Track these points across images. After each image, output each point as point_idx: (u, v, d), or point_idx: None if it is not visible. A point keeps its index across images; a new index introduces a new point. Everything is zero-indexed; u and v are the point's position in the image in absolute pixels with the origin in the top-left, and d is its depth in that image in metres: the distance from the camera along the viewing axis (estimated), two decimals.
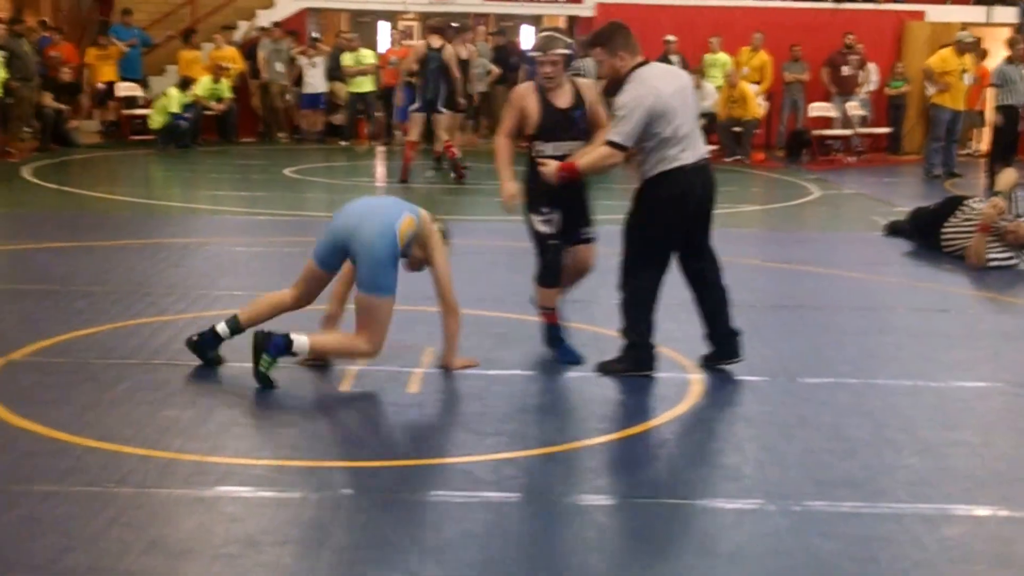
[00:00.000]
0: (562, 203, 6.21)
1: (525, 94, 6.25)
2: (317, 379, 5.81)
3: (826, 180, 16.18)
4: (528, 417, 5.37)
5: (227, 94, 19.10)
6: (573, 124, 6.17)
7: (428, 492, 4.42)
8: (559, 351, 6.35)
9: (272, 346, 5.64)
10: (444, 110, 14.47)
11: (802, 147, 19.14)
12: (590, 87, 6.31)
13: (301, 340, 5.70)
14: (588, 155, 5.98)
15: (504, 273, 8.86)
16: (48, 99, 17.30)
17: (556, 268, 6.32)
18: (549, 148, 6.19)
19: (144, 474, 4.49)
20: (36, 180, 13.92)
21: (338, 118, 20.58)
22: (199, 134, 18.67)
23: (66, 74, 17.74)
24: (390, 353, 6.18)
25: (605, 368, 6.06)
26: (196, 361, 6.03)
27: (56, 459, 4.61)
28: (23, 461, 4.60)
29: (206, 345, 5.98)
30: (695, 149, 5.93)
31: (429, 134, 15.43)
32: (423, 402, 5.55)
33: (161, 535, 3.96)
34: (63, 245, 9.39)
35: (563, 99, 6.18)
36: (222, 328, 5.99)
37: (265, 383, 5.65)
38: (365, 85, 19.61)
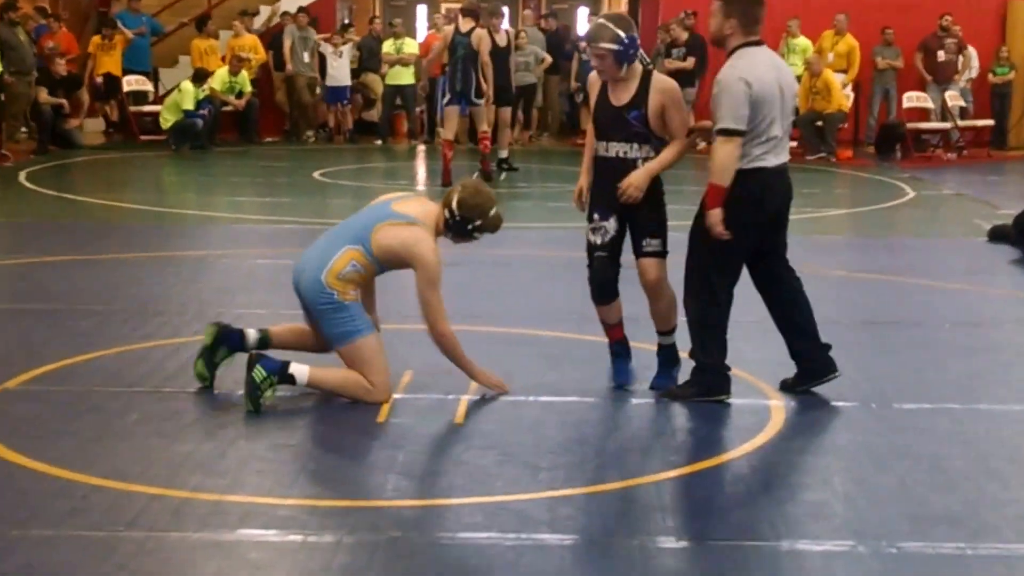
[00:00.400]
0: (622, 209, 6.14)
1: (593, 83, 6.23)
2: (350, 408, 5.82)
3: (922, 179, 16.07)
4: (587, 449, 5.36)
5: (247, 88, 19.22)
6: (625, 125, 6.04)
7: (476, 534, 4.40)
8: (614, 370, 6.31)
9: (266, 362, 5.78)
10: (478, 101, 14.50)
11: (895, 142, 19.01)
12: (665, 88, 6.05)
13: (300, 368, 5.84)
14: (711, 167, 5.79)
15: (557, 287, 8.84)
16: (43, 95, 17.44)
17: (599, 283, 6.25)
18: (601, 147, 6.15)
19: (156, 516, 4.50)
20: (33, 186, 14.08)
21: (372, 114, 20.68)
22: (216, 133, 18.81)
23: (61, 66, 17.88)
24: (431, 379, 6.18)
25: (673, 394, 6.03)
26: (212, 389, 6.07)
27: (57, 499, 4.64)
28: (20, 501, 4.62)
29: (227, 339, 6.09)
30: (780, 154, 5.88)
31: (472, 132, 15.50)
32: (469, 433, 5.56)
33: None
34: (64, 259, 9.48)
35: (622, 95, 6.07)
36: (252, 332, 6.16)
37: (254, 399, 5.73)
38: (404, 77, 19.62)
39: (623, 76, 6.02)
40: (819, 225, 11.96)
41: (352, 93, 20.31)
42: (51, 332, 7.16)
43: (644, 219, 6.12)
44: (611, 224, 6.14)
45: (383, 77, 19.95)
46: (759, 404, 6.01)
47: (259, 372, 5.77)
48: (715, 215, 5.82)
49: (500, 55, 15.14)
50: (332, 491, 4.87)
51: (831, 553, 4.29)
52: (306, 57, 19.76)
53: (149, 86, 19.84)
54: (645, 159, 6.05)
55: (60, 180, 14.99)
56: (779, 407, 5.95)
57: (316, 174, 15.73)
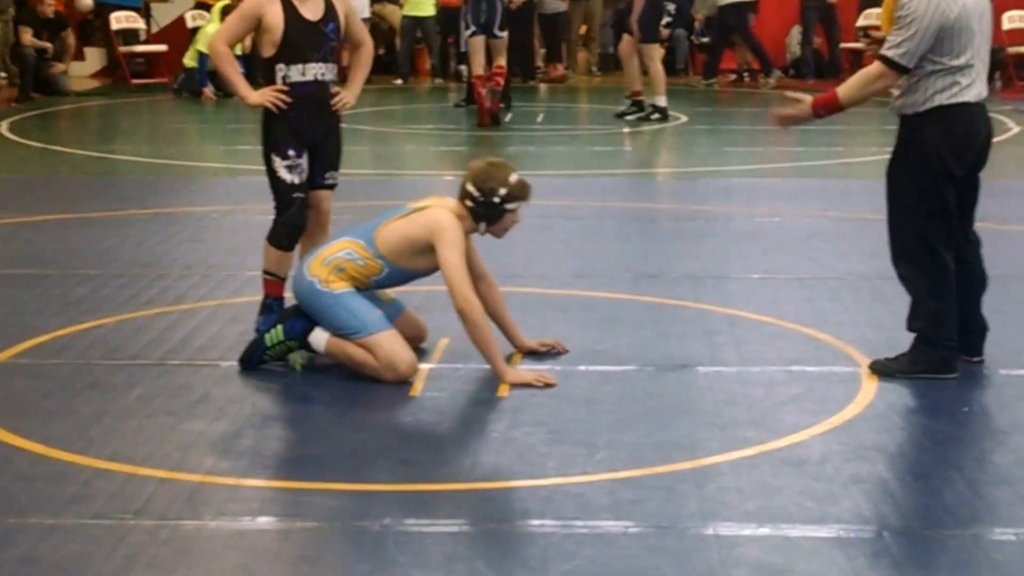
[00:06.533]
0: (310, 144, 6.46)
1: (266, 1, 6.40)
2: (379, 381, 5.82)
3: None
4: (650, 425, 5.35)
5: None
6: (323, 41, 6.39)
7: (527, 521, 4.42)
8: (265, 320, 6.33)
9: (290, 323, 5.95)
10: (501, 34, 14.45)
11: (994, 69, 18.84)
12: None
13: (319, 336, 5.92)
14: (849, 80, 5.79)
15: (606, 241, 8.85)
16: (27, 36, 17.50)
17: (298, 226, 6.41)
18: (295, 72, 6.37)
19: (167, 502, 4.53)
20: (16, 137, 14.15)
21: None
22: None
23: (48, 6, 17.90)
24: (470, 346, 6.18)
25: (891, 369, 5.91)
26: (224, 360, 6.11)
27: (58, 484, 4.67)
28: (17, 487, 4.66)
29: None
30: (982, 86, 5.82)
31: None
32: (516, 408, 5.55)
33: None
34: (53, 218, 9.53)
35: (315, 8, 6.35)
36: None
37: (251, 359, 5.97)
38: (425, 7, 19.61)
39: None
40: None
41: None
42: (42, 300, 7.21)
43: (331, 150, 6.56)
44: (305, 162, 6.42)
45: (400, 7, 19.93)
46: (847, 372, 5.98)
47: (275, 334, 5.93)
48: (803, 119, 5.93)
49: None
50: (363, 474, 4.88)
51: (939, 539, 4.28)
52: None
53: (141, 23, 19.82)
54: (332, 82, 6.49)
55: (46, 130, 15.07)
56: (870, 375, 5.92)
57: None
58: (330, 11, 6.37)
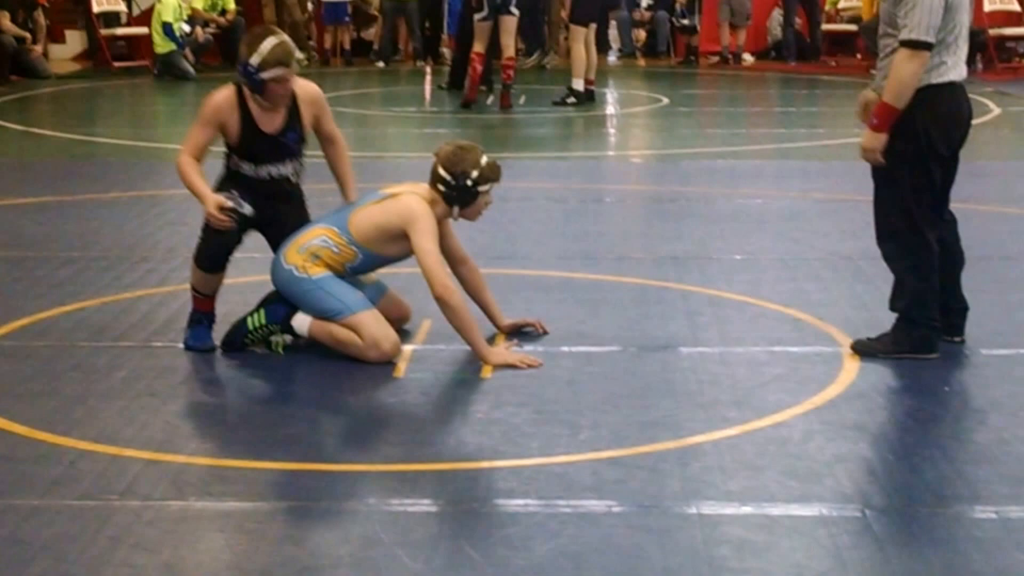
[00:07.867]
0: (261, 219, 6.17)
1: (226, 106, 6.13)
2: (361, 362, 5.84)
3: (1008, 93, 15.99)
4: (633, 405, 5.37)
5: (231, 6, 19.19)
6: (283, 149, 6.16)
7: (511, 501, 4.43)
8: (199, 334, 6.10)
9: (272, 308, 5.96)
10: (516, 11, 14.43)
11: (975, 51, 18.87)
12: (313, 99, 6.21)
13: (302, 320, 5.93)
14: (889, 83, 5.65)
15: (589, 223, 8.86)
16: (5, 21, 17.45)
17: (227, 245, 6.08)
18: (247, 167, 6.18)
19: (152, 483, 4.54)
20: None
21: (371, 33, 20.65)
22: (197, 57, 18.80)
23: None
24: (453, 329, 6.21)
25: (874, 349, 5.93)
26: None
27: (42, 466, 4.68)
28: (1, 469, 4.66)
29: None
30: (964, 66, 5.83)
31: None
32: (498, 388, 5.57)
33: (178, 558, 4.01)
34: (35, 200, 9.52)
35: (273, 121, 6.11)
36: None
37: (232, 343, 5.99)
38: None
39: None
40: None
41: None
42: (25, 282, 7.21)
43: (293, 225, 6.14)
44: (247, 210, 6.03)
45: None
46: (829, 351, 6.01)
47: (258, 318, 5.94)
48: (880, 140, 5.72)
49: None
50: (347, 455, 4.91)
51: (919, 516, 4.30)
52: None
53: (122, 6, 19.81)
54: (292, 175, 6.23)
55: (26, 113, 15.03)
56: (852, 355, 5.94)
57: None
58: (292, 120, 6.12)
